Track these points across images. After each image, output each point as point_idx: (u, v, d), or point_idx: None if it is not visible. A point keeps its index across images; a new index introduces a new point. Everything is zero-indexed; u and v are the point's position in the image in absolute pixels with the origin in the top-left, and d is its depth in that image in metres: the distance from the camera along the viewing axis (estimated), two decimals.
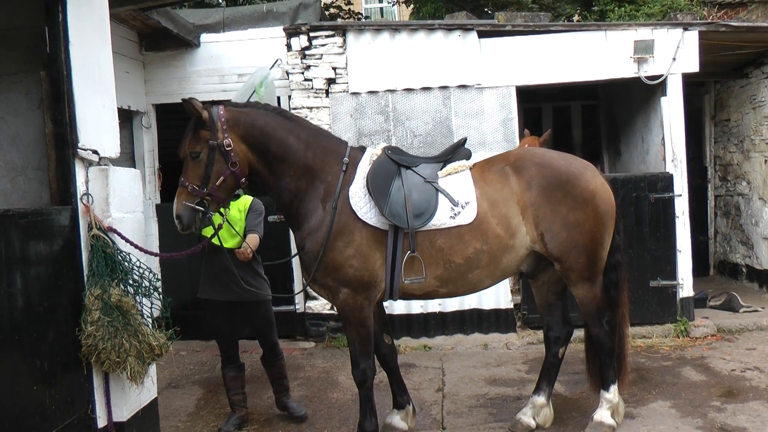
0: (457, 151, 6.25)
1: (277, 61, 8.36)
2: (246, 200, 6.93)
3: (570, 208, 5.94)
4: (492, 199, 5.93)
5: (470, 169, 6.13)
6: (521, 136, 10.42)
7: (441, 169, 6.09)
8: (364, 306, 5.87)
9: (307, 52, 9.97)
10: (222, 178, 5.65)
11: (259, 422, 7.12)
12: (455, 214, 5.83)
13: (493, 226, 5.88)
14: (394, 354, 6.56)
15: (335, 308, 6.11)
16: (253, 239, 6.73)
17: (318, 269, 5.83)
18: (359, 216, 5.78)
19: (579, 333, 6.95)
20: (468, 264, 5.90)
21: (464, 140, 6.41)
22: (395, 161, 5.99)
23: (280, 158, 5.84)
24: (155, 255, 5.98)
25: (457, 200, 5.86)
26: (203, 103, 5.74)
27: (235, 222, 6.71)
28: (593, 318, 6.24)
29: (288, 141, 5.86)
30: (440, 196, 5.88)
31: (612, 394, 6.30)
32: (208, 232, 6.30)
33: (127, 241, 5.69)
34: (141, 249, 5.80)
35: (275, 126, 5.86)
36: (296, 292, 6.97)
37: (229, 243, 6.61)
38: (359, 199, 5.80)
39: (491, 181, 6.02)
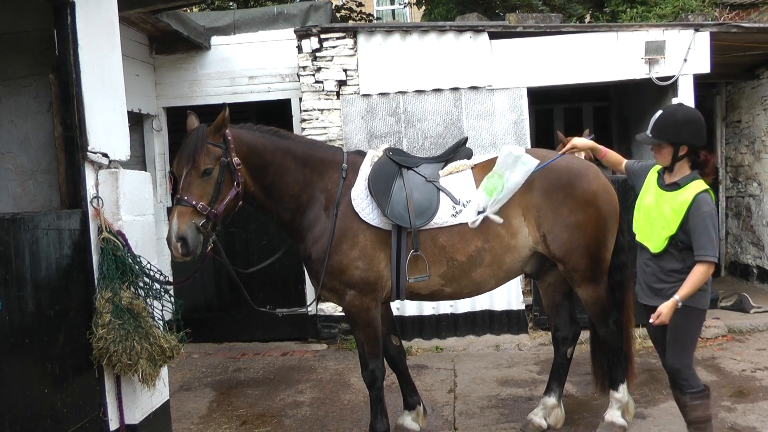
0: (458, 150, 6.29)
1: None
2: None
3: (571, 209, 5.94)
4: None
5: (472, 168, 6.15)
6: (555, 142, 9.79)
7: (442, 169, 6.13)
8: (371, 307, 5.91)
9: (317, 54, 9.97)
10: (230, 197, 5.56)
11: (271, 424, 7.12)
12: (456, 213, 5.88)
13: (494, 225, 5.90)
14: (402, 355, 6.57)
15: (343, 310, 6.17)
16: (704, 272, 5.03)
17: (325, 273, 5.84)
18: (362, 217, 5.82)
19: (587, 334, 6.91)
20: (470, 262, 5.93)
21: (465, 140, 6.43)
22: (396, 162, 6.04)
23: (278, 182, 5.84)
24: (168, 283, 5.97)
25: (459, 199, 5.91)
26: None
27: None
28: (599, 318, 6.25)
29: (285, 164, 5.86)
30: (441, 195, 5.93)
31: (621, 393, 6.30)
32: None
33: (129, 250, 5.70)
34: (139, 262, 5.79)
35: (272, 150, 5.84)
36: (309, 302, 6.88)
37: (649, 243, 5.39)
38: (361, 201, 5.84)
39: None
